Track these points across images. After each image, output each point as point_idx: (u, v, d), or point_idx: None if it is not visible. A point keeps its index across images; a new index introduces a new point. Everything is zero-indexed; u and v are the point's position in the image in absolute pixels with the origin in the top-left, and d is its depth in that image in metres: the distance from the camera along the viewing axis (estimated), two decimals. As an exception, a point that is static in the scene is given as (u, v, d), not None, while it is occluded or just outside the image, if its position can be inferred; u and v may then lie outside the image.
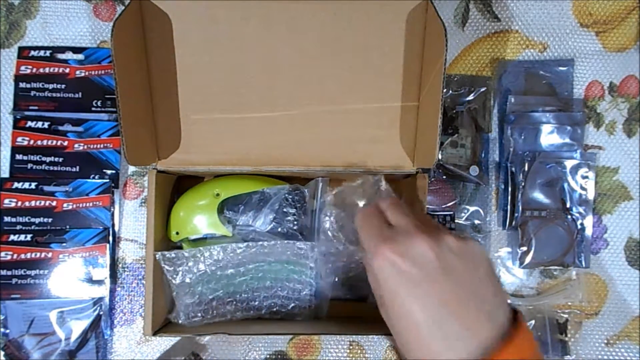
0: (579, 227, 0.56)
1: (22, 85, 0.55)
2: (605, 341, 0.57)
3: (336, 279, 0.52)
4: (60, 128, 0.55)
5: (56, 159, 0.55)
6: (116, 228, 0.56)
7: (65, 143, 0.55)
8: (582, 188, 0.56)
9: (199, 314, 0.51)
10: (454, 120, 0.56)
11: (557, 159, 0.56)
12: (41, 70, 0.55)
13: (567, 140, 0.56)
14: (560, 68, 0.57)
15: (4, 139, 0.55)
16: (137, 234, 0.56)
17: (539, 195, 0.56)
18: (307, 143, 0.50)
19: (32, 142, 0.55)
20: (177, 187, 0.54)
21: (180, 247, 0.52)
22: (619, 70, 0.58)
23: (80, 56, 0.56)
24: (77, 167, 0.55)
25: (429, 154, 0.45)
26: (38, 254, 0.53)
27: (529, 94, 0.57)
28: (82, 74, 0.56)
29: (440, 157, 0.55)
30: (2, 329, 0.53)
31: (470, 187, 0.57)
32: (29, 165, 0.55)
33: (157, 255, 0.48)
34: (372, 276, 0.36)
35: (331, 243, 0.48)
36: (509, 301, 0.35)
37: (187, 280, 0.50)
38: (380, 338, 0.56)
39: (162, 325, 0.50)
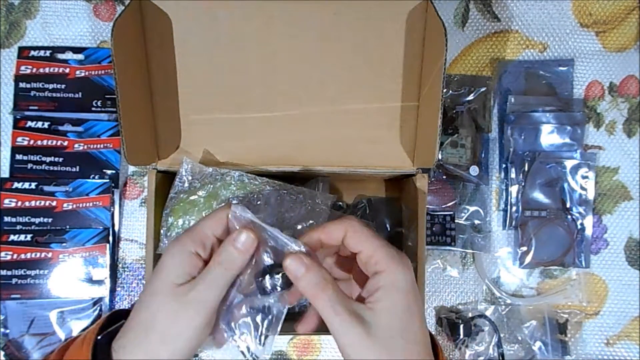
0: (579, 227, 0.56)
1: (22, 85, 0.55)
2: (605, 341, 0.57)
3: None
4: (60, 128, 0.55)
5: (56, 159, 0.55)
6: (116, 228, 0.56)
7: (65, 143, 0.55)
8: (582, 188, 0.56)
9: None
10: (454, 120, 0.56)
11: (557, 159, 0.56)
12: (41, 70, 0.55)
13: (567, 140, 0.56)
14: (560, 68, 0.57)
15: (4, 139, 0.55)
16: (137, 234, 0.56)
17: (539, 195, 0.56)
18: (307, 143, 0.50)
19: (32, 142, 0.55)
20: (177, 187, 0.54)
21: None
22: (619, 70, 0.58)
23: (80, 56, 0.56)
24: (77, 167, 0.55)
25: (429, 154, 0.45)
26: (38, 254, 0.53)
27: (529, 94, 0.57)
28: (82, 74, 0.56)
29: (440, 157, 0.55)
30: (2, 329, 0.53)
31: (470, 187, 0.57)
32: (29, 165, 0.55)
33: (159, 250, 0.48)
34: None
35: None
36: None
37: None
38: (380, 338, 0.56)
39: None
